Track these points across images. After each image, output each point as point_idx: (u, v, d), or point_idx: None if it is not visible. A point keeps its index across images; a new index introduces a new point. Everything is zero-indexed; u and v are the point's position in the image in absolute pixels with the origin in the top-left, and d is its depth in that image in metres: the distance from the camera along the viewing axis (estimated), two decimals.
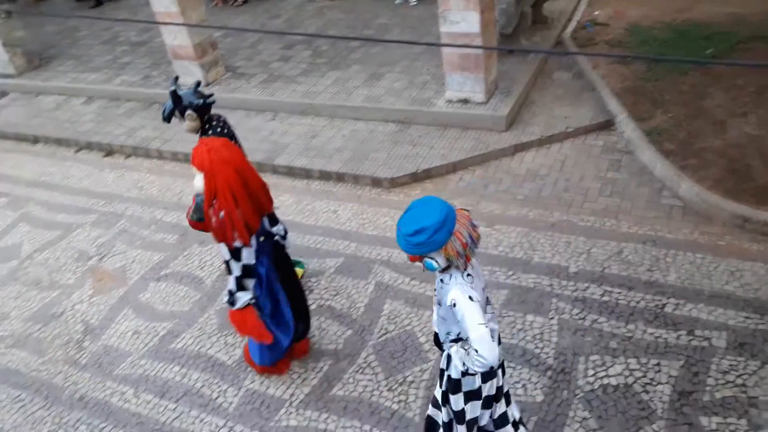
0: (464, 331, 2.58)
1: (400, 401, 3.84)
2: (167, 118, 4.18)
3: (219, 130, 4.22)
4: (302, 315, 4.04)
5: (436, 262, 2.56)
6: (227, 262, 3.58)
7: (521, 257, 4.72)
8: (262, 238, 3.64)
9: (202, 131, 4.20)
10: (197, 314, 4.79)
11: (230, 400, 4.08)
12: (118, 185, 6.71)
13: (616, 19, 7.70)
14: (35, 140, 7.90)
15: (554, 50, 7.31)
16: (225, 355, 4.39)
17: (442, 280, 2.68)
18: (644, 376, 3.69)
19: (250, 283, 3.64)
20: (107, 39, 10.11)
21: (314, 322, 4.49)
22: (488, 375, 2.89)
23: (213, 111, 4.27)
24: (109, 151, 7.40)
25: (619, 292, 4.27)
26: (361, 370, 4.08)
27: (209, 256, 5.34)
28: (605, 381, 3.71)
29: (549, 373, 3.83)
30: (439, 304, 2.80)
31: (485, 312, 2.65)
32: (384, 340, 4.26)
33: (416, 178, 5.80)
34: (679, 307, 4.07)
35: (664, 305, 4.11)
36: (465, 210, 2.61)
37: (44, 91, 8.95)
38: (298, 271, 4.78)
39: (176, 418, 4.03)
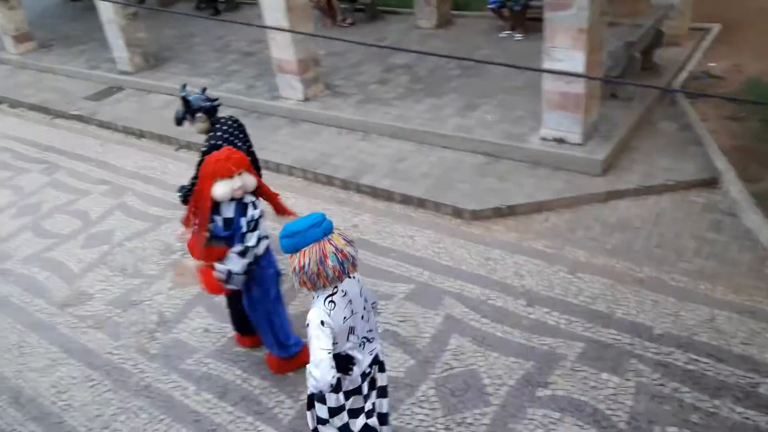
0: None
1: None
2: (179, 122, 4.52)
3: (225, 128, 4.54)
4: None
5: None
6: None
7: (603, 310, 4.47)
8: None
9: (211, 131, 4.52)
10: None
11: (286, 412, 4.07)
12: None
13: (733, 73, 7.29)
14: (141, 134, 8.37)
15: (647, 84, 6.96)
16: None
17: (314, 297, 2.79)
18: None
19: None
20: (219, 47, 10.63)
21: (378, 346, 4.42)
22: (351, 390, 2.98)
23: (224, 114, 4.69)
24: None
25: (707, 363, 3.94)
26: (419, 403, 3.97)
27: (283, 266, 5.40)
28: None
29: None
30: None
31: (347, 340, 2.81)
32: (446, 376, 4.13)
33: (499, 213, 5.66)
34: None
35: (757, 384, 3.75)
36: (340, 237, 2.70)
37: (155, 90, 9.50)
38: None
39: (232, 421, 4.06)
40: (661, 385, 3.84)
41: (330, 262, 2.63)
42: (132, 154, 7.92)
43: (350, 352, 2.84)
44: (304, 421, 3.93)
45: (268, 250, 4.04)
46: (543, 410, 3.79)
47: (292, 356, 4.28)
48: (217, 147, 4.19)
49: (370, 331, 2.99)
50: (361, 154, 6.89)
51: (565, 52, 5.71)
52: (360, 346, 2.93)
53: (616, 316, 4.40)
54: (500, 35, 9.34)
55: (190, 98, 4.44)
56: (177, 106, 4.67)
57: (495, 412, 3.83)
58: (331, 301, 2.73)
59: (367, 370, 3.02)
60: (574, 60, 5.68)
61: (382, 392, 3.24)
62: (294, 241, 2.66)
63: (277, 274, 4.19)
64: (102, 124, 8.85)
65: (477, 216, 5.67)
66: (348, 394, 2.98)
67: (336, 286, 2.75)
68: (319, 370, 2.62)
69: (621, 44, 6.80)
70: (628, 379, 3.90)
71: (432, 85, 8.00)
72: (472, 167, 6.33)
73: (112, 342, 4.87)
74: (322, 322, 2.68)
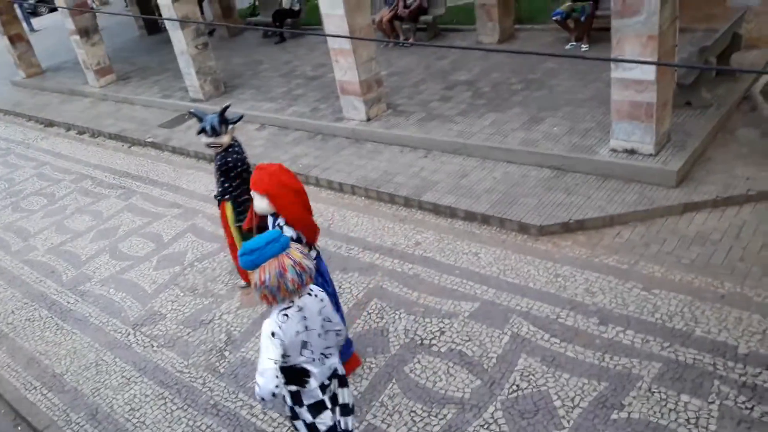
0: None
1: None
2: (214, 130, 4.87)
3: (238, 149, 5.06)
4: None
5: None
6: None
7: (681, 328, 4.21)
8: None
9: (228, 148, 5.01)
10: None
11: None
12: None
13: None
14: (211, 159, 8.64)
15: (707, 65, 6.59)
16: (351, 385, 4.35)
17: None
18: None
19: None
20: (285, 72, 10.92)
21: (442, 366, 4.34)
22: (316, 409, 3.09)
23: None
24: None
25: None
26: (486, 425, 3.84)
27: (348, 283, 5.42)
28: None
29: None
30: None
31: (300, 354, 2.92)
32: (515, 397, 3.98)
33: (568, 228, 5.46)
34: None
35: None
36: (297, 251, 2.79)
37: None
38: None
39: None
40: (749, 409, 3.55)
41: (289, 275, 2.73)
42: (203, 178, 8.19)
43: (305, 366, 2.98)
44: None
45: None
46: None
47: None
48: (239, 161, 5.03)
49: (328, 348, 3.08)
50: (423, 171, 6.86)
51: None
52: (315, 361, 3.03)
53: (696, 335, 4.13)
54: (566, 47, 9.14)
55: (225, 114, 4.90)
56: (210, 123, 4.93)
57: None
58: (285, 315, 2.84)
59: (326, 382, 3.11)
60: (645, 67, 5.46)
61: (345, 410, 3.29)
62: (253, 258, 2.75)
63: (319, 274, 4.16)
64: (175, 150, 9.22)
65: (544, 231, 5.50)
66: (313, 409, 3.10)
67: (292, 301, 2.85)
68: (263, 378, 2.72)
69: (695, 50, 6.50)
70: (711, 402, 3.64)
71: (495, 100, 7.90)
72: (538, 181, 6.17)
73: (182, 361, 4.99)
74: (273, 333, 2.80)
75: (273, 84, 10.44)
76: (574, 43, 9.12)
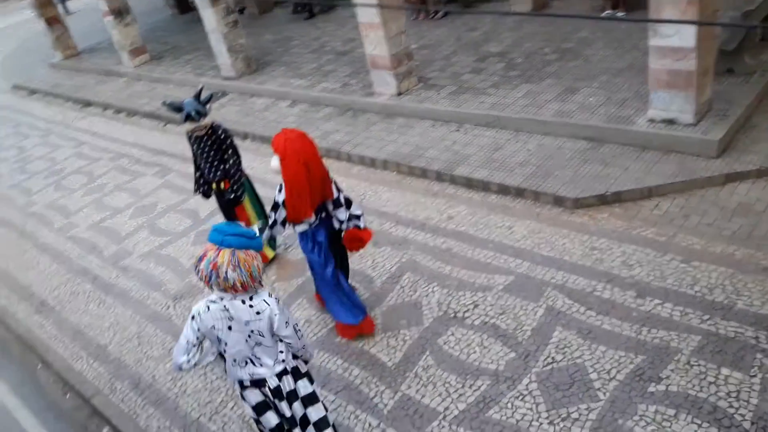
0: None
1: None
2: (199, 114, 5.02)
3: (219, 123, 5.24)
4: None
5: None
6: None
7: (722, 301, 4.12)
8: (324, 215, 4.28)
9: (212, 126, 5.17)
10: None
11: (386, 402, 4.08)
12: None
13: None
14: (245, 136, 8.73)
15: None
16: (386, 356, 4.42)
17: None
18: None
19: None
20: (315, 48, 10.89)
21: (476, 338, 4.35)
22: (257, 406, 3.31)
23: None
24: None
25: None
26: (521, 397, 3.85)
27: (381, 258, 5.44)
28: None
29: None
30: None
31: (219, 346, 3.12)
32: (550, 370, 3.97)
33: (604, 200, 5.37)
34: None
35: None
36: (227, 255, 2.86)
37: (257, 93, 9.88)
38: (269, 252, 5.68)
39: (334, 409, 4.12)
40: None
41: (202, 265, 2.89)
42: None
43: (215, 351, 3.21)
44: (404, 412, 3.96)
45: (303, 238, 4.37)
46: (655, 406, 3.55)
47: (354, 324, 4.57)
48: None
49: (259, 358, 3.18)
50: (455, 145, 6.80)
51: (673, 27, 5.32)
52: (235, 362, 3.18)
53: (738, 308, 4.04)
54: (601, 15, 8.89)
55: (186, 104, 5.02)
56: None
57: (603, 407, 3.63)
58: (208, 306, 3.01)
59: (245, 383, 3.25)
60: (684, 34, 5.29)
61: (309, 400, 3.39)
62: (212, 236, 2.93)
63: (326, 258, 4.38)
64: None
65: (580, 204, 5.42)
66: (256, 409, 3.32)
67: (222, 297, 2.98)
68: (174, 351, 3.08)
69: (738, 14, 6.25)
70: (753, 375, 3.58)
71: (528, 71, 7.76)
72: (574, 153, 6.07)
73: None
74: (192, 317, 3.04)
75: (303, 60, 10.43)
76: (610, 11, 8.86)
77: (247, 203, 5.47)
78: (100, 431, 4.61)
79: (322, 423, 3.42)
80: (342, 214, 4.28)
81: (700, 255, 4.56)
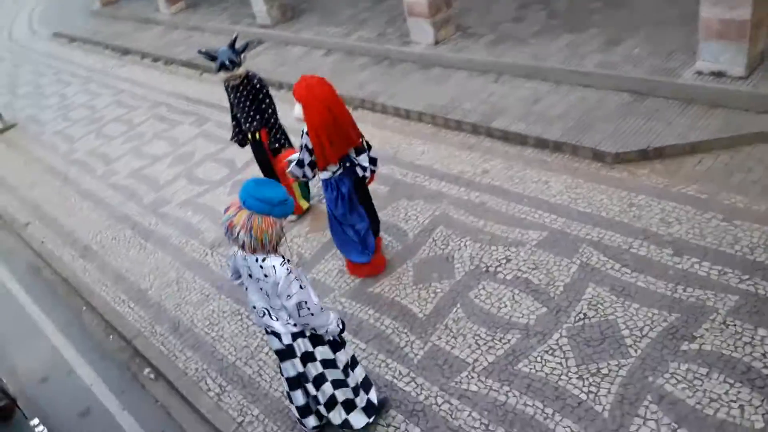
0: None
1: (589, 392, 3.56)
2: (233, 63, 4.98)
3: (254, 72, 5.21)
4: (376, 224, 4.83)
5: None
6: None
7: (763, 261, 4.02)
8: (348, 164, 4.28)
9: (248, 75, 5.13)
10: (396, 264, 4.92)
11: (416, 352, 4.15)
12: None
13: None
14: (280, 86, 8.70)
15: None
16: (417, 308, 4.47)
17: None
18: None
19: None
20: None
21: (507, 292, 4.35)
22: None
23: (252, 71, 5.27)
24: None
25: None
26: (551, 351, 3.87)
27: (414, 211, 5.44)
28: None
29: None
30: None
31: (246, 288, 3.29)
32: (581, 325, 3.97)
33: (645, 155, 5.23)
34: None
35: None
36: (244, 218, 2.90)
37: (292, 42, 9.79)
38: (303, 203, 5.77)
39: (365, 357, 4.22)
40: None
41: (223, 218, 2.98)
42: None
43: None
44: (434, 362, 4.02)
45: (327, 187, 4.44)
46: (687, 365, 3.53)
47: (362, 264, 4.78)
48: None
49: (270, 309, 3.22)
50: (492, 97, 6.66)
51: None
52: (257, 311, 3.27)
53: None
54: None
55: (220, 53, 4.99)
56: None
57: (633, 364, 3.63)
58: (235, 252, 3.15)
59: (275, 342, 3.34)
60: None
61: (325, 364, 3.40)
62: (245, 199, 2.94)
63: (340, 197, 4.45)
64: None
65: (620, 159, 5.29)
66: (277, 355, 3.44)
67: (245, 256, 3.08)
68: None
69: None
70: None
71: (571, 20, 7.47)
72: (616, 106, 5.89)
73: None
74: (231, 255, 3.24)
75: (339, 8, 10.24)
76: None
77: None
78: (142, 371, 4.83)
79: (337, 383, 3.47)
80: (365, 160, 4.33)
81: (742, 213, 4.43)
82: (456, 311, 4.35)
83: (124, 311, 5.33)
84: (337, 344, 3.41)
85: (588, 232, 4.66)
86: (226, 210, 2.99)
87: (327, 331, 3.29)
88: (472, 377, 3.86)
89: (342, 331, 3.38)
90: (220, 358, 4.59)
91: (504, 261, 4.63)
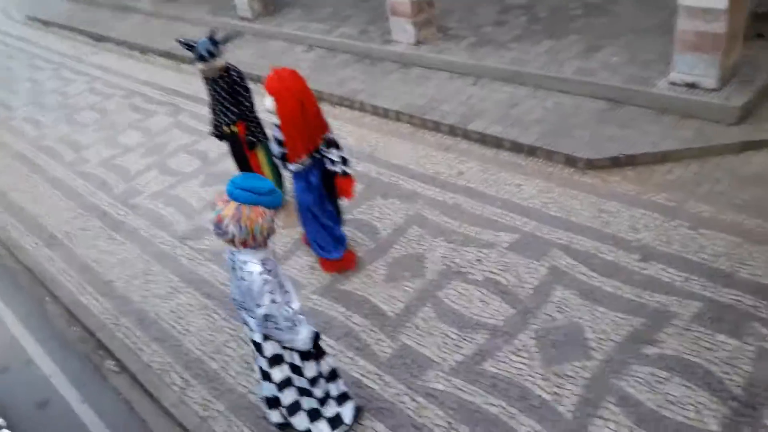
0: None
1: (553, 393, 3.59)
2: (211, 54, 4.94)
3: (233, 65, 5.17)
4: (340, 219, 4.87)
5: None
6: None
7: (725, 269, 4.10)
8: (318, 156, 4.33)
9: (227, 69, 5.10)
10: (368, 262, 4.91)
11: (384, 351, 4.14)
12: None
13: None
14: (259, 79, 8.62)
15: None
16: (387, 306, 4.46)
17: None
18: None
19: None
20: None
21: (477, 293, 4.37)
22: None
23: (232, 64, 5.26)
24: (318, 98, 7.80)
25: None
26: (517, 352, 3.89)
27: (388, 209, 5.44)
28: None
29: (732, 403, 3.32)
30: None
31: None
32: (548, 328, 4.00)
33: (617, 163, 5.30)
34: None
35: None
36: (232, 208, 2.86)
37: (273, 36, 9.72)
38: None
39: (334, 355, 4.17)
40: None
41: (212, 215, 2.94)
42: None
43: None
44: (402, 360, 4.02)
45: (297, 178, 4.48)
46: (649, 368, 3.58)
47: (334, 260, 4.81)
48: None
49: (243, 303, 3.14)
50: (471, 99, 6.69)
51: None
52: (235, 302, 3.24)
53: (740, 276, 4.02)
54: None
55: (199, 44, 4.96)
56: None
57: (597, 366, 3.67)
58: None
59: (248, 331, 3.31)
60: None
61: (264, 375, 3.41)
62: (234, 192, 2.90)
63: (320, 198, 4.55)
64: None
65: (592, 165, 5.35)
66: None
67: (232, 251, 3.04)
68: None
69: None
70: (748, 344, 3.58)
71: (552, 25, 7.54)
72: (591, 113, 5.95)
73: (226, 274, 5.15)
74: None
75: (322, 3, 10.18)
76: None
77: (260, 150, 5.43)
78: (104, 363, 4.74)
79: (303, 391, 3.42)
80: (334, 154, 4.37)
81: (708, 222, 4.51)
82: (426, 310, 4.35)
83: (89, 302, 5.23)
84: (308, 354, 3.33)
85: (558, 236, 4.70)
86: (214, 207, 2.92)
87: (294, 347, 3.22)
88: (440, 376, 3.87)
89: (313, 346, 3.28)
90: (186, 352, 4.52)
91: (475, 262, 4.65)
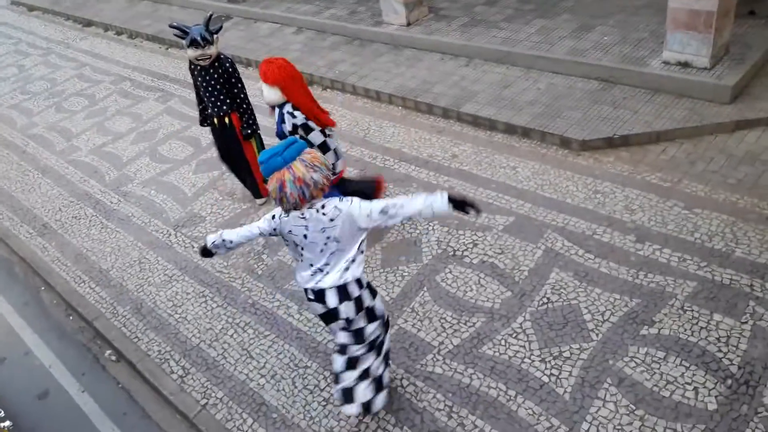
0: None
1: (551, 375, 3.63)
2: (205, 40, 4.82)
3: (225, 55, 5.08)
4: None
5: None
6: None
7: (720, 249, 4.13)
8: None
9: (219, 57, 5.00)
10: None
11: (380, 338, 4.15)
12: None
13: None
14: (248, 63, 8.54)
15: None
16: (384, 291, 4.48)
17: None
18: None
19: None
20: None
21: (473, 276, 4.39)
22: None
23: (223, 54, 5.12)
24: (309, 82, 7.76)
25: None
26: (514, 335, 3.92)
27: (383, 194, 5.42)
28: None
29: (729, 382, 3.36)
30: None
31: (292, 249, 3.18)
32: (544, 309, 4.03)
33: (611, 143, 5.30)
34: None
35: None
36: (302, 164, 2.79)
37: (261, 18, 9.60)
38: None
39: (331, 340, 4.21)
40: None
41: (288, 189, 2.77)
42: None
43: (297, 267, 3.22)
44: (400, 345, 4.04)
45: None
46: (646, 348, 3.63)
47: None
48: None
49: (327, 264, 3.10)
50: (463, 81, 6.66)
51: None
52: (309, 269, 3.13)
53: (735, 256, 4.06)
54: None
55: (193, 30, 4.83)
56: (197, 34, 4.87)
57: (594, 347, 3.71)
58: (281, 217, 3.01)
59: (310, 296, 3.21)
60: None
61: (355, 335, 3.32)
62: (263, 169, 2.84)
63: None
64: None
65: (586, 146, 5.35)
66: (322, 318, 3.32)
67: (303, 213, 2.92)
68: (222, 231, 3.27)
69: None
70: (744, 322, 3.63)
71: (543, 5, 7.49)
72: (584, 93, 5.94)
73: (222, 261, 5.16)
74: (273, 216, 3.05)
75: None
76: None
77: (254, 141, 5.36)
78: (103, 353, 4.74)
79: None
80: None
81: (702, 202, 4.54)
82: (422, 295, 4.37)
83: (85, 291, 5.21)
84: (373, 316, 3.32)
85: (553, 218, 4.72)
86: (270, 189, 2.82)
87: (434, 209, 2.90)
88: (437, 360, 3.90)
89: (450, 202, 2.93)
90: (184, 340, 4.52)
91: (471, 245, 4.66)
